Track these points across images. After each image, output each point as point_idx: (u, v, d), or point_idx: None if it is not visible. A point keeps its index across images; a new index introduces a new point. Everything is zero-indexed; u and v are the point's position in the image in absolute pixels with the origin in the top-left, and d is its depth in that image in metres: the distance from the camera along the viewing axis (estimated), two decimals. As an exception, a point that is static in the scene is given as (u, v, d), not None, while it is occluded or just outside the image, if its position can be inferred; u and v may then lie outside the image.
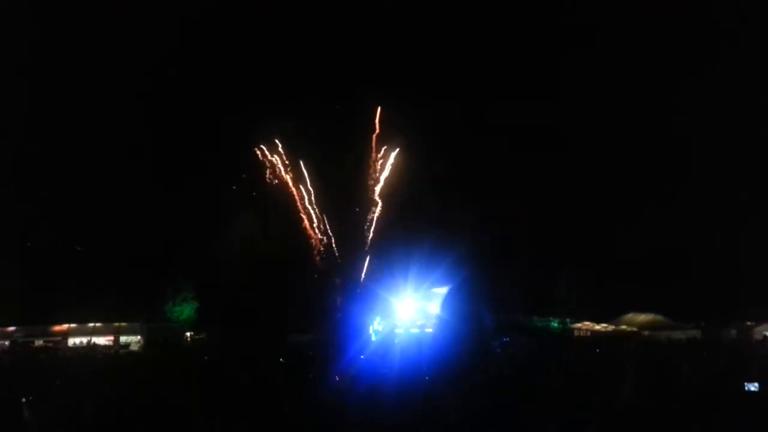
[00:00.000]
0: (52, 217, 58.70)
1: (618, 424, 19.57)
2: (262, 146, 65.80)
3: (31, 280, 53.14)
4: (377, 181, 67.39)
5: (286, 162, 66.38)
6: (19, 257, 55.68)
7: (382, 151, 67.61)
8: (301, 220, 66.23)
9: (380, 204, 66.61)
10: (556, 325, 60.45)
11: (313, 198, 66.22)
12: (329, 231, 65.91)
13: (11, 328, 51.12)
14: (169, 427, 18.71)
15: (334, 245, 65.86)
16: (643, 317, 55.89)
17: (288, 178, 66.39)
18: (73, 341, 51.71)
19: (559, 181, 64.85)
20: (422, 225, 59.41)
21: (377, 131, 67.53)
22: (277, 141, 66.09)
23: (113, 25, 62.95)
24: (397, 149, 66.97)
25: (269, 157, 66.11)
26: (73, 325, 52.96)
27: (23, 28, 59.10)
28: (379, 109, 66.95)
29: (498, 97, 66.25)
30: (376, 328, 56.78)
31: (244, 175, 64.37)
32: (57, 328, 52.47)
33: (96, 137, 61.38)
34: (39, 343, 51.12)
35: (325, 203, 66.30)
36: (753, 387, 23.69)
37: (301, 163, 65.90)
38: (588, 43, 65.78)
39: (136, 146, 62.04)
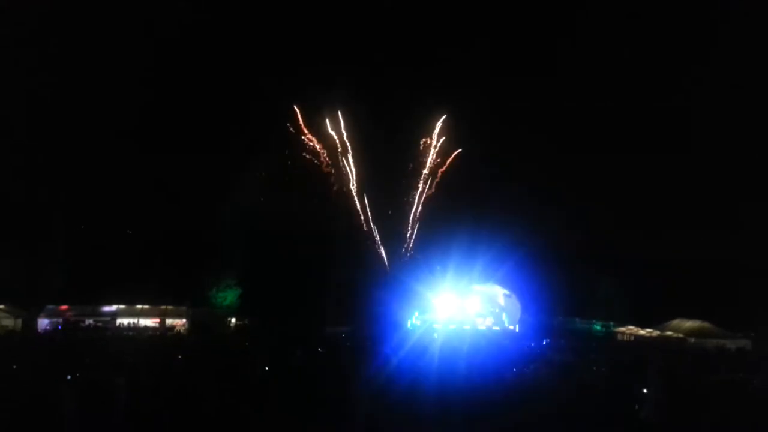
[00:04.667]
0: (105, 203, 60.87)
1: None
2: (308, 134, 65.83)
3: (84, 263, 55.50)
4: (421, 177, 66.85)
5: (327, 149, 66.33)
6: (72, 241, 58.13)
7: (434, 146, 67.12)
8: (344, 211, 66.16)
9: (422, 202, 66.33)
10: (599, 328, 59.12)
11: (356, 188, 66.12)
12: (371, 224, 65.93)
13: (64, 307, 53.61)
14: (199, 414, 19.12)
15: (377, 239, 65.85)
16: (690, 323, 54.03)
17: (331, 166, 66.36)
18: (120, 322, 53.74)
19: (609, 181, 63.30)
20: (463, 222, 58.90)
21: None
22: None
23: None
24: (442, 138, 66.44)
25: (316, 143, 66.16)
26: (121, 306, 54.98)
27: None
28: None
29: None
30: (414, 323, 56.72)
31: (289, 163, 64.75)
32: (106, 308, 54.65)
33: (141, 126, 63.39)
34: (89, 322, 53.36)
35: (368, 194, 66.16)
36: None
37: (348, 156, 65.95)
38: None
39: (182, 136, 63.69)
